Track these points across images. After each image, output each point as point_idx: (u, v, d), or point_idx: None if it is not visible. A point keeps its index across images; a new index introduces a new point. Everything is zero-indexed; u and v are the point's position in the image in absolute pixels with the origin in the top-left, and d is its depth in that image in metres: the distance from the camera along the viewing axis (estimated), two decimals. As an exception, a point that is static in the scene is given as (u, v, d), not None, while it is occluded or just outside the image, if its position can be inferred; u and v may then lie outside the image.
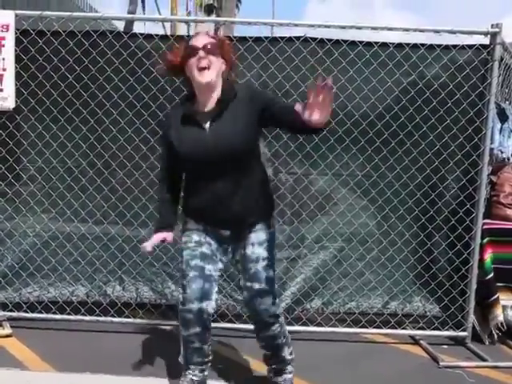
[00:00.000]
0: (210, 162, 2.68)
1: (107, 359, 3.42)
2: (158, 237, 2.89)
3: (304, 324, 3.95)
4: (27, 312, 3.93)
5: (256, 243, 2.81)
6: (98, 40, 3.73)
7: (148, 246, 2.84)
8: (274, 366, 3.09)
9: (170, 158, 2.84)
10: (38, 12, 3.69)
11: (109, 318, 3.92)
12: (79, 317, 3.93)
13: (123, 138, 3.86)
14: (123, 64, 3.75)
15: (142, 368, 3.30)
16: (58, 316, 3.92)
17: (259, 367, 3.36)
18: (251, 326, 3.06)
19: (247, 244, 2.82)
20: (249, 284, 2.82)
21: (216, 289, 2.81)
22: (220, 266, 2.87)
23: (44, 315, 3.92)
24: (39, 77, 3.77)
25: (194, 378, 2.87)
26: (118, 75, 3.76)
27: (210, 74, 2.63)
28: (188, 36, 3.86)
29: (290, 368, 3.08)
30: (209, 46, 2.63)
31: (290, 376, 3.08)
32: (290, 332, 3.84)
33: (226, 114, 2.69)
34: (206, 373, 2.92)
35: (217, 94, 2.70)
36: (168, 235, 2.90)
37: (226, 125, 2.68)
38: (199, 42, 2.66)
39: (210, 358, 2.93)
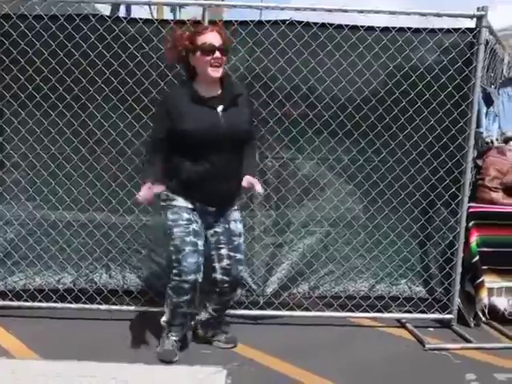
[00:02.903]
0: (220, 141, 3.01)
1: (94, 346, 3.41)
2: (150, 190, 3.02)
3: (291, 309, 3.96)
4: (13, 300, 3.90)
5: (238, 220, 3.28)
6: (81, 24, 3.66)
7: (142, 198, 3.02)
8: (211, 329, 3.52)
9: (166, 133, 3.06)
10: (20, -5, 3.62)
11: (95, 306, 3.90)
12: (66, 304, 3.90)
13: (108, 123, 3.82)
14: (107, 48, 3.68)
15: (130, 354, 3.30)
16: (44, 304, 3.89)
17: (254, 354, 3.39)
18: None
19: (230, 220, 3.24)
20: (232, 254, 3.24)
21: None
22: (204, 241, 3.21)
23: (30, 303, 3.89)
24: (21, 62, 3.70)
25: (176, 337, 3.34)
26: (101, 60, 3.70)
27: (220, 70, 3.03)
28: (173, 20, 3.83)
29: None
30: (223, 47, 3.00)
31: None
32: (277, 317, 3.92)
33: (233, 103, 3.09)
34: (185, 329, 3.42)
35: (218, 83, 3.10)
36: (156, 188, 3.07)
37: (234, 112, 3.09)
38: (215, 41, 2.99)
39: (191, 317, 3.45)
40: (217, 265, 3.25)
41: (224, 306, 3.43)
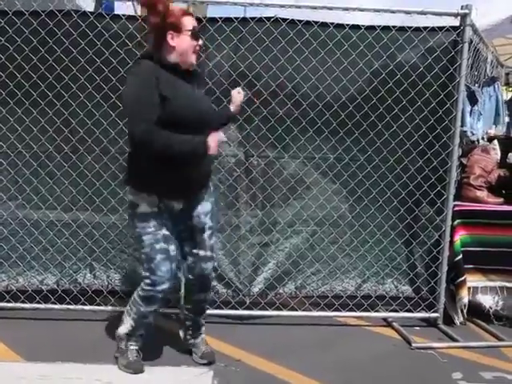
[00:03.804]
0: (199, 118, 2.88)
1: (78, 348, 3.36)
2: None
3: (277, 309, 3.94)
4: (-5, 301, 3.84)
5: (202, 214, 3.06)
6: (63, 20, 3.60)
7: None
8: (190, 332, 3.32)
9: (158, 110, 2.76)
10: (0, -9, 3.56)
11: (80, 306, 3.84)
12: (49, 305, 3.84)
13: (91, 121, 3.76)
14: (90, 45, 3.63)
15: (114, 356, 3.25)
16: (28, 305, 3.83)
17: (233, 351, 3.37)
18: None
19: (194, 215, 3.05)
20: (195, 251, 3.09)
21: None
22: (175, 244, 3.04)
23: (13, 304, 3.83)
24: (2, 58, 3.64)
25: (136, 347, 3.13)
26: (84, 57, 3.65)
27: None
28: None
29: (203, 329, 3.34)
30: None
31: (203, 335, 3.34)
32: (264, 317, 3.90)
33: (197, 83, 3.02)
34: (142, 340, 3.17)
35: None
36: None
37: (199, 92, 3.04)
38: (197, 27, 2.93)
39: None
40: (183, 263, 3.14)
41: (196, 306, 3.23)
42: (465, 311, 3.99)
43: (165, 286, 2.93)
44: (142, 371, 3.06)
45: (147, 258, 2.94)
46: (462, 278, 3.96)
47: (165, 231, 2.94)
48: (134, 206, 2.95)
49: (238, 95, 3.25)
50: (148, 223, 2.92)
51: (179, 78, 2.87)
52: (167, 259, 2.92)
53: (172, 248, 2.96)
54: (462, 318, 4.00)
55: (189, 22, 2.88)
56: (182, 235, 3.08)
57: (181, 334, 3.39)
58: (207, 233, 3.09)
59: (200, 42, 2.94)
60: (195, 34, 2.90)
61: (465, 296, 3.96)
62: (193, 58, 2.92)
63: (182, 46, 2.87)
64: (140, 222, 2.94)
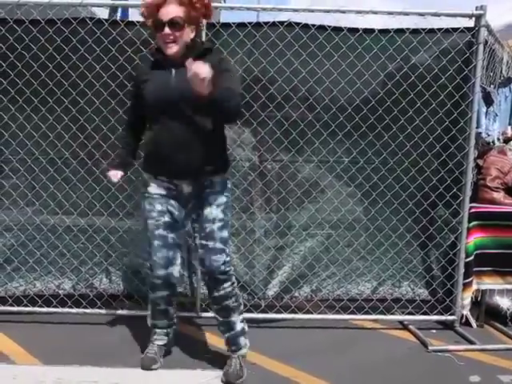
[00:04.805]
0: (171, 103, 2.80)
1: (95, 351, 3.38)
2: (115, 173, 3.17)
3: (293, 312, 3.93)
4: (13, 306, 3.87)
5: (214, 204, 2.96)
6: (78, 27, 3.65)
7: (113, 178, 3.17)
8: (226, 341, 3.18)
9: (137, 107, 3.04)
10: (16, -1, 3.60)
11: (96, 310, 3.88)
12: (66, 309, 3.87)
13: (106, 127, 3.80)
14: (104, 52, 3.67)
15: (131, 359, 3.26)
16: (45, 309, 3.87)
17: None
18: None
19: (205, 205, 2.96)
20: (204, 242, 2.98)
21: (180, 253, 3.13)
22: (184, 229, 3.13)
23: (30, 308, 3.86)
24: (18, 66, 3.69)
25: (161, 342, 3.27)
26: (99, 63, 3.69)
27: (175, 46, 2.81)
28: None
29: (242, 341, 3.16)
30: (174, 21, 2.76)
31: (243, 351, 3.18)
32: (279, 320, 3.90)
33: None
34: (170, 335, 3.32)
35: (183, 49, 2.85)
36: (122, 174, 3.21)
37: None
38: (165, 15, 2.77)
39: (175, 320, 3.32)
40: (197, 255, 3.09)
41: (215, 305, 3.06)
42: (465, 313, 3.96)
43: (160, 273, 3.04)
44: (148, 368, 3.15)
45: (149, 243, 3.06)
46: (468, 280, 3.94)
47: (167, 218, 3.00)
48: (145, 185, 3.06)
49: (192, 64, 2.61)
50: (153, 207, 3.01)
51: (161, 63, 2.89)
52: (164, 246, 3.01)
53: (172, 236, 3.03)
54: (470, 320, 3.97)
55: (150, 14, 2.82)
56: (195, 226, 3.04)
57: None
58: (217, 224, 2.95)
59: (165, 31, 2.76)
60: (156, 25, 2.80)
61: (467, 297, 3.94)
62: (165, 49, 2.82)
63: (156, 36, 2.90)
64: (148, 205, 3.03)
